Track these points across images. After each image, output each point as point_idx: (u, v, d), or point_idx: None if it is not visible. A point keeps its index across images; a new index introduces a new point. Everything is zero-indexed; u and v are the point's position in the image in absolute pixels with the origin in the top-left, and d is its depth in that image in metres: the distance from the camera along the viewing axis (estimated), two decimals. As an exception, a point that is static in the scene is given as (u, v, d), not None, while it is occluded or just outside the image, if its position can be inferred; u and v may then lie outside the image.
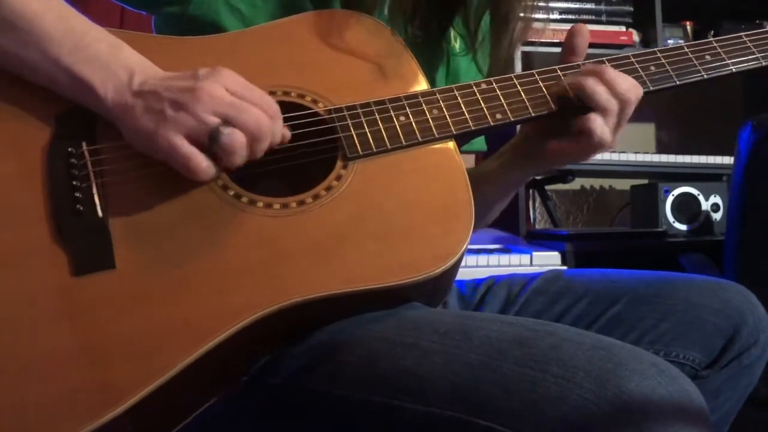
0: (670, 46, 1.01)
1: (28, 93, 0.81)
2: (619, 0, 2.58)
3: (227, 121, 0.77)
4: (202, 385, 0.79)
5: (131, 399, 0.70)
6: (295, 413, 0.81)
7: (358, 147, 0.86)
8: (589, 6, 2.55)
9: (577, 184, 2.83)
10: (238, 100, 0.78)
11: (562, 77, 0.95)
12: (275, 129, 0.80)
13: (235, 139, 0.77)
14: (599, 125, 0.91)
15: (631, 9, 2.58)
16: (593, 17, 2.54)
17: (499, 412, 0.68)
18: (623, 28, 2.55)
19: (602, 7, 2.56)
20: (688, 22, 2.68)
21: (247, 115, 0.78)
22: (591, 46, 0.99)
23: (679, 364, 0.97)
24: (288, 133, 0.83)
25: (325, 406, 0.78)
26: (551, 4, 2.51)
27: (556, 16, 2.51)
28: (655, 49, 1.00)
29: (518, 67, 2.24)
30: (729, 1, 2.65)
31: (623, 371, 0.66)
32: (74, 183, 0.79)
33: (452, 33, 1.09)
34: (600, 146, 0.93)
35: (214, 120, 0.76)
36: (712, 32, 2.67)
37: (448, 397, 0.71)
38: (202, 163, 0.77)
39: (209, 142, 0.77)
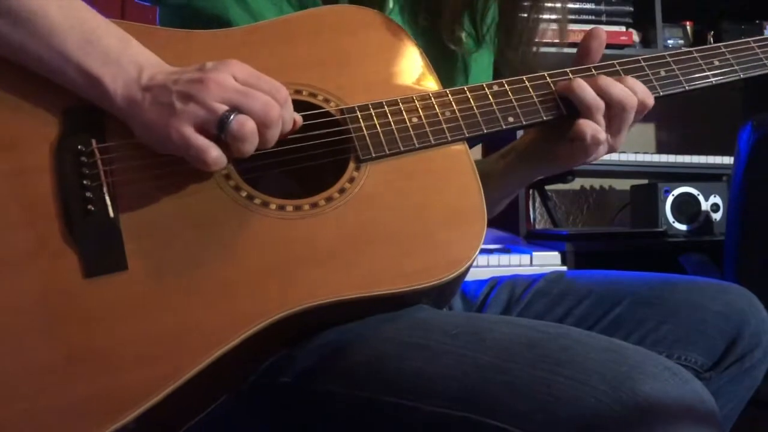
0: (680, 50, 1.01)
1: (36, 86, 0.79)
2: (619, 0, 2.58)
3: (236, 108, 0.76)
4: (212, 388, 0.79)
5: (143, 405, 0.69)
6: (304, 413, 0.81)
7: (371, 149, 0.85)
8: (589, 6, 2.55)
9: (577, 184, 2.83)
10: (246, 87, 0.77)
11: (552, 85, 0.94)
12: (285, 115, 0.79)
13: (245, 124, 0.75)
14: (589, 127, 0.91)
15: (631, 9, 2.58)
16: (593, 17, 2.54)
17: (512, 414, 0.68)
18: (623, 28, 2.55)
19: (602, 7, 2.56)
20: (688, 22, 2.68)
21: (255, 101, 0.76)
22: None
23: (680, 366, 0.96)
24: (299, 119, 0.82)
25: (334, 406, 0.78)
26: (550, 5, 2.50)
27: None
28: (665, 53, 0.99)
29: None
30: (729, 1, 2.65)
31: (637, 374, 0.66)
32: (84, 182, 0.77)
33: (462, 32, 1.08)
34: (595, 146, 0.92)
35: (221, 107, 0.75)
36: (712, 32, 2.67)
37: (459, 397, 0.71)
38: (213, 152, 0.76)
39: (218, 131, 0.75)
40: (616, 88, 0.92)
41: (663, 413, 0.64)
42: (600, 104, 0.91)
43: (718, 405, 0.98)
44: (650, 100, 0.94)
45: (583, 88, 0.91)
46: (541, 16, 1.05)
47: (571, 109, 0.93)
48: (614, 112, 0.92)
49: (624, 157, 2.42)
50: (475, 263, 0.85)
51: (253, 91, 0.77)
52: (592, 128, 0.91)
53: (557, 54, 1.02)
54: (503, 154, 1.08)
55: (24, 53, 0.78)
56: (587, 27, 0.99)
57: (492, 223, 1.17)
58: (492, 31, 1.06)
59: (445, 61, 0.99)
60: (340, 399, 0.77)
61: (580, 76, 0.94)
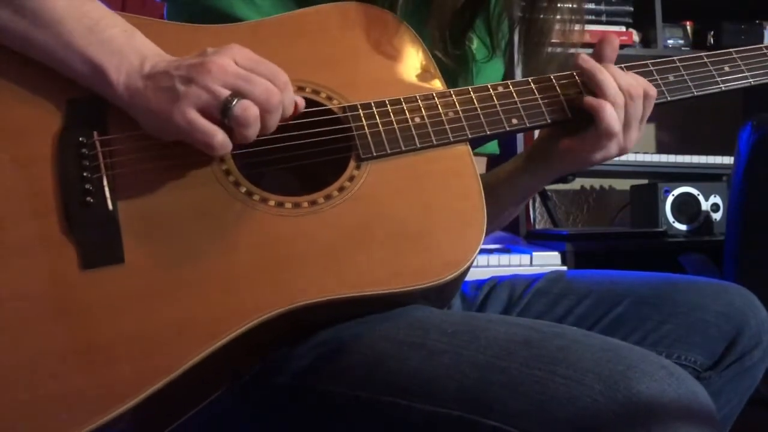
0: (690, 55, 0.99)
1: (39, 78, 0.80)
2: (619, 0, 2.58)
3: (237, 93, 0.76)
4: (206, 383, 0.79)
5: (137, 397, 0.70)
6: (300, 412, 0.81)
7: (372, 147, 0.85)
8: (589, 6, 2.55)
9: (577, 184, 2.83)
10: (247, 72, 0.77)
11: (558, 87, 0.93)
12: (286, 100, 0.79)
13: (248, 110, 0.75)
14: (608, 111, 0.89)
15: (631, 9, 2.58)
16: (593, 17, 2.54)
17: (507, 413, 0.68)
18: (623, 28, 2.55)
19: (602, 7, 2.56)
20: (688, 22, 2.68)
21: (256, 86, 0.76)
22: (591, 46, 0.98)
23: (680, 365, 0.96)
24: (301, 102, 0.82)
25: (331, 405, 0.78)
26: (569, 5, 2.50)
27: (556, 16, 2.51)
28: (674, 57, 0.98)
29: (518, 67, 2.23)
30: (729, 1, 2.65)
31: (633, 373, 0.66)
32: (84, 174, 0.77)
33: (474, 40, 1.06)
34: (608, 136, 0.91)
35: (224, 91, 0.75)
36: (712, 32, 2.67)
37: (456, 397, 0.71)
38: (219, 136, 0.76)
39: (221, 115, 0.75)
40: (629, 78, 0.91)
41: (659, 412, 0.64)
42: (620, 99, 0.90)
43: (718, 405, 0.98)
44: (652, 91, 0.93)
45: (605, 78, 0.90)
46: (558, 16, 1.04)
47: (575, 112, 0.92)
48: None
49: (624, 157, 2.38)
50: (475, 263, 0.85)
51: (254, 76, 0.77)
52: (610, 114, 0.89)
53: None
54: (514, 159, 1.07)
55: (29, 43, 0.79)
56: (588, 27, 0.98)
57: (492, 223, 1.18)
58: (506, 39, 1.05)
59: (452, 70, 0.98)
60: (337, 398, 0.77)
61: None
